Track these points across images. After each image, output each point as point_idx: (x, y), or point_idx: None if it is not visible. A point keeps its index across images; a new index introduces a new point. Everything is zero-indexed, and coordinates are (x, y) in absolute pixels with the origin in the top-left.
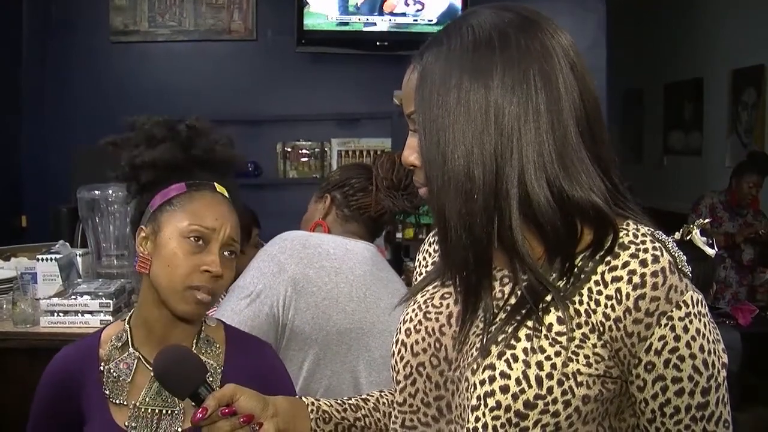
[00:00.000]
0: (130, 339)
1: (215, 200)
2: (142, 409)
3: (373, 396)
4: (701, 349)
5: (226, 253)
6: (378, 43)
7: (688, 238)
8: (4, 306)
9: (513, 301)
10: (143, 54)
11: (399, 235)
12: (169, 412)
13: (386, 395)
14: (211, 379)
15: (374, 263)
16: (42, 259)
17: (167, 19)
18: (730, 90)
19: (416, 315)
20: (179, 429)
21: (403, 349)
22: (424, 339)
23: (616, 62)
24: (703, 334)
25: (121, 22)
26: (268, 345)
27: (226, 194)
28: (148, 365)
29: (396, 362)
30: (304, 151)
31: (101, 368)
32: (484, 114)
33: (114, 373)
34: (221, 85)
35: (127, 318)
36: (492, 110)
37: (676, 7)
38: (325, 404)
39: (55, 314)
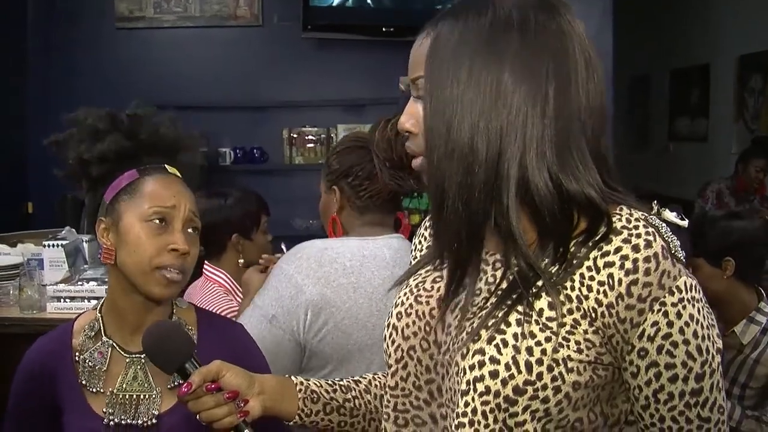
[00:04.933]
0: (102, 328)
1: (169, 180)
2: (119, 395)
3: (365, 378)
4: (695, 334)
5: (189, 230)
6: (384, 29)
7: (659, 216)
8: (11, 292)
9: (504, 285)
10: (149, 40)
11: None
12: (146, 396)
13: (379, 378)
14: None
15: (395, 263)
16: (48, 246)
17: (173, 5)
18: (737, 76)
19: (407, 299)
20: (156, 412)
21: (394, 333)
22: (414, 323)
23: (622, 48)
24: (697, 320)
25: (126, 8)
26: (239, 325)
27: (178, 174)
28: (122, 352)
29: (387, 346)
30: (310, 137)
31: (76, 358)
32: (494, 91)
33: (89, 363)
34: (227, 71)
35: (99, 307)
36: (502, 89)
37: None
38: (315, 384)
39: (62, 300)
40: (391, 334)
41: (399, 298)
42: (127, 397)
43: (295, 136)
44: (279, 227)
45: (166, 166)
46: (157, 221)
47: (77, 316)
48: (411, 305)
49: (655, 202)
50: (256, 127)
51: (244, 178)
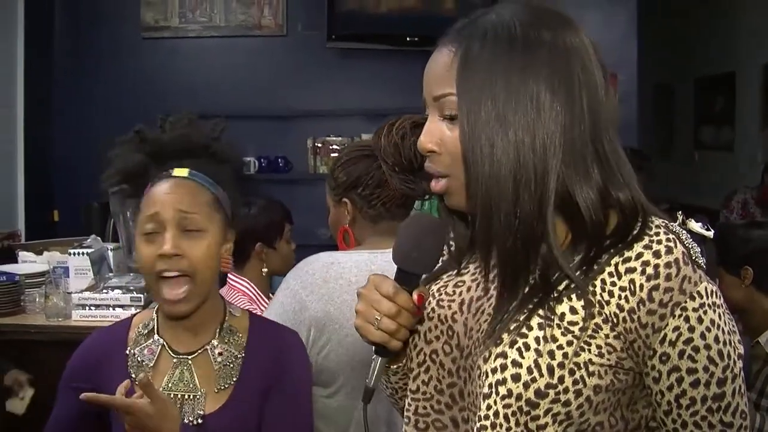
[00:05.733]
0: (156, 326)
1: (165, 186)
2: (165, 394)
3: None
4: (716, 339)
5: (186, 230)
6: (408, 38)
7: (684, 226)
8: (37, 299)
9: (526, 289)
10: (174, 49)
11: None
12: (191, 396)
13: None
14: None
15: None
16: (74, 254)
17: (198, 14)
18: (763, 84)
19: (429, 303)
20: (201, 412)
21: (416, 337)
22: (436, 326)
23: (646, 56)
24: (718, 325)
25: (152, 17)
26: (291, 331)
27: (185, 174)
28: (171, 352)
29: (410, 350)
30: (334, 146)
31: (127, 351)
32: (534, 106)
33: (138, 358)
34: (251, 80)
35: (156, 307)
36: (541, 103)
37: (707, 1)
38: None
39: (87, 308)
40: (413, 338)
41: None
42: (172, 396)
43: (319, 145)
44: (303, 236)
45: (174, 170)
46: (149, 232)
47: (137, 312)
48: (433, 309)
49: (680, 212)
50: (281, 136)
51: (268, 187)
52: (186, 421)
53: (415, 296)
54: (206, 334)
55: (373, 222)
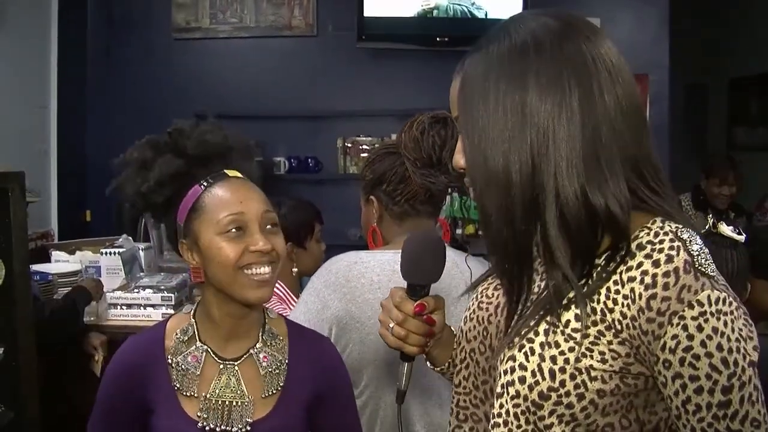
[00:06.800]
0: (197, 333)
1: (234, 185)
2: (213, 400)
3: None
4: (719, 347)
5: (268, 227)
6: (438, 39)
7: (715, 230)
8: None
9: (534, 296)
10: (205, 50)
11: (459, 231)
12: (239, 403)
13: None
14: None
15: None
16: (106, 253)
17: (228, 15)
18: None
19: (473, 304)
20: (250, 419)
21: (460, 335)
22: (475, 327)
23: (678, 57)
24: (722, 333)
25: (183, 18)
26: (326, 339)
27: (239, 175)
28: (216, 358)
29: (455, 347)
30: (364, 146)
31: (169, 360)
32: (520, 114)
33: (182, 366)
34: (282, 81)
35: (192, 312)
36: (528, 110)
37: (739, 1)
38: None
39: (119, 307)
40: (457, 337)
41: (469, 304)
42: (219, 402)
43: (349, 145)
44: (333, 236)
45: (226, 171)
46: (234, 230)
47: (167, 318)
48: (474, 311)
49: (710, 215)
50: (311, 136)
51: (298, 187)
52: (234, 429)
53: (415, 306)
54: (249, 338)
55: (399, 220)
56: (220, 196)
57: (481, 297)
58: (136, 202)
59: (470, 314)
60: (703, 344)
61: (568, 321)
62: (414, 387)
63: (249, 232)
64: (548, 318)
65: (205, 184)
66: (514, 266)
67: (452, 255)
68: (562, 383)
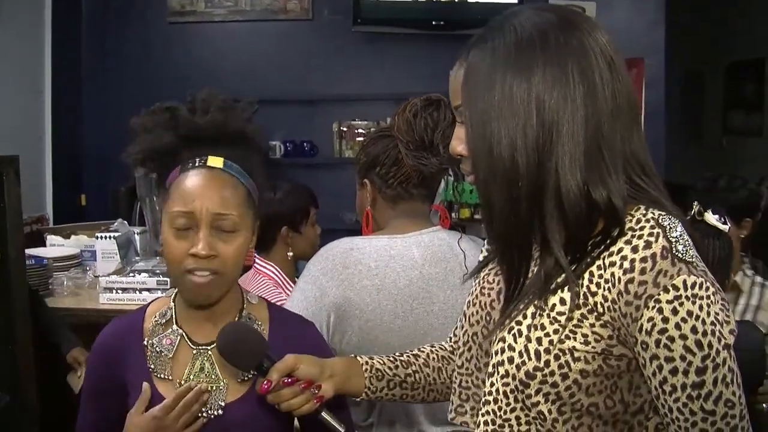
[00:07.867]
0: (174, 316)
1: (203, 177)
2: (188, 385)
3: (423, 351)
4: (693, 330)
5: (222, 232)
6: (434, 22)
7: (701, 218)
8: (65, 283)
9: (527, 280)
10: (200, 34)
11: (454, 215)
12: (213, 387)
13: (437, 350)
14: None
15: (425, 261)
16: (101, 237)
17: None
18: None
19: (476, 289)
20: (222, 402)
21: (463, 319)
22: (478, 312)
23: (675, 42)
24: (697, 316)
25: (178, 2)
26: (310, 323)
27: (220, 165)
28: (190, 343)
29: (458, 329)
30: (360, 130)
31: (144, 342)
32: (526, 107)
33: (157, 348)
34: (277, 65)
35: (173, 296)
36: (534, 103)
37: None
38: (378, 362)
39: (114, 291)
40: (461, 320)
41: (472, 288)
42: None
43: (345, 129)
44: (328, 220)
45: (210, 157)
46: (180, 225)
47: (151, 301)
48: (477, 296)
49: (696, 203)
50: (307, 120)
51: (294, 171)
52: (207, 412)
53: (261, 386)
54: (225, 323)
55: (393, 203)
56: (182, 187)
57: (483, 282)
58: (141, 152)
59: (473, 299)
60: (677, 327)
61: (554, 304)
62: None
63: (196, 232)
64: (536, 302)
65: (184, 167)
66: (515, 255)
67: (446, 237)
68: (547, 363)
